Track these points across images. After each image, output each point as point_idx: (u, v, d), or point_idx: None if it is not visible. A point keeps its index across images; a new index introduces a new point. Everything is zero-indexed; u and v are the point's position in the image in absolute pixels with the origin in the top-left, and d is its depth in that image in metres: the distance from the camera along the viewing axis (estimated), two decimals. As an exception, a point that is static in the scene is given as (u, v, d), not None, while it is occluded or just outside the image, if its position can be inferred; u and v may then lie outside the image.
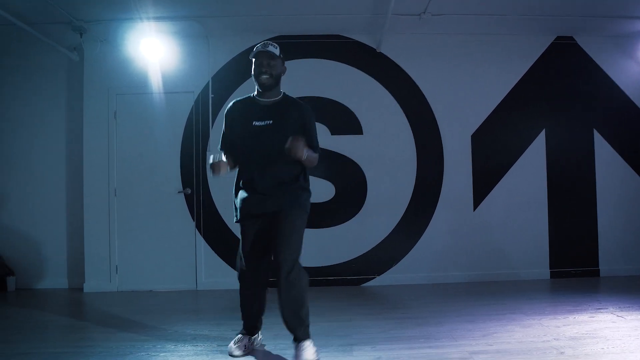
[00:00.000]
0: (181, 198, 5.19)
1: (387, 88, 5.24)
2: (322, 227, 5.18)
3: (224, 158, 2.91)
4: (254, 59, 2.85)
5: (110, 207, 5.14)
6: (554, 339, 3.05)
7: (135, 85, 5.16)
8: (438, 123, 5.25)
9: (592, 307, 3.90)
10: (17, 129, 5.35)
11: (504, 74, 5.32)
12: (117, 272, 5.13)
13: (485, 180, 5.28)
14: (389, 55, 5.27)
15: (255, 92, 2.93)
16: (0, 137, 5.36)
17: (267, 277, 2.97)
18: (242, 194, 2.91)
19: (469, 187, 5.25)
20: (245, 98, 2.98)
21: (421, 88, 5.25)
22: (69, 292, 5.08)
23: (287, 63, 5.18)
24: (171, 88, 5.18)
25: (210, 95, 5.21)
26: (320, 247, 5.14)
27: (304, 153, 2.69)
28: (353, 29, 5.18)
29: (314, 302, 4.35)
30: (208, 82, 5.21)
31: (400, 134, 5.23)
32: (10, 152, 5.36)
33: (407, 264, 5.19)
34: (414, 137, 5.24)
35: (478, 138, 5.28)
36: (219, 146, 3.02)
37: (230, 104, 2.99)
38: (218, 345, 3.11)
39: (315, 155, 2.89)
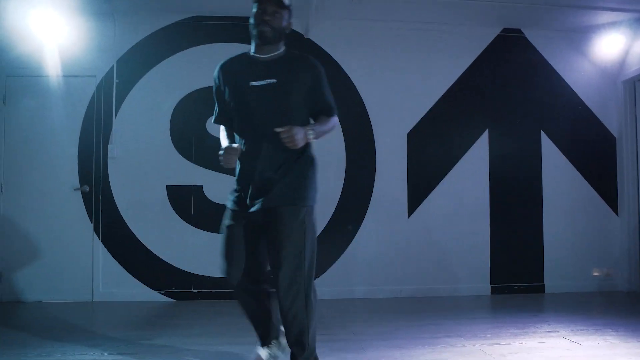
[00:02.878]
0: (78, 196, 4.56)
1: (314, 78, 4.71)
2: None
3: (234, 145, 2.29)
4: (256, 4, 2.30)
5: (-4, 204, 4.50)
6: (499, 372, 2.56)
7: (28, 66, 4.51)
8: (371, 119, 4.74)
9: (541, 329, 3.44)
10: None
11: (445, 67, 4.84)
12: (0, 280, 4.46)
13: (421, 184, 4.78)
14: (318, 43, 4.74)
15: (253, 49, 2.36)
16: None
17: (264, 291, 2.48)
18: (238, 176, 2.40)
19: (403, 192, 4.74)
20: (239, 55, 2.42)
21: (353, 80, 4.73)
22: (-58, 303, 4.41)
23: (204, 47, 4.86)
24: (71, 71, 4.55)
25: (115, 81, 4.60)
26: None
27: (307, 136, 2.22)
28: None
29: (220, 317, 3.88)
30: (113, 65, 4.60)
31: (328, 130, 4.68)
32: None
33: (331, 276, 4.63)
34: (343, 134, 4.70)
35: (414, 137, 4.78)
36: (213, 120, 2.52)
37: (220, 63, 2.43)
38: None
39: (330, 125, 2.39)
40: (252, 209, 2.28)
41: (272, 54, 2.34)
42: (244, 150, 2.31)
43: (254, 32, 2.30)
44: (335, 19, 4.68)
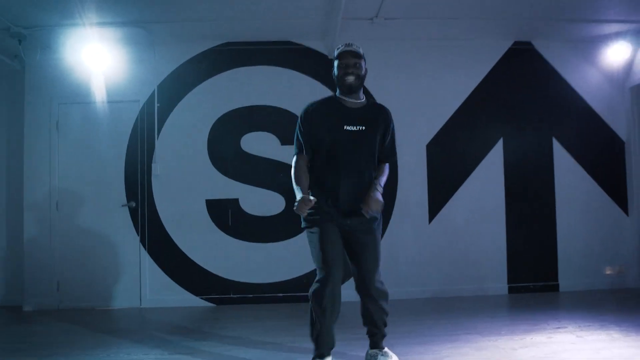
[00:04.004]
0: (125, 212, 4.98)
1: (338, 96, 5.06)
2: (273, 242, 4.99)
3: (310, 197, 2.65)
4: (337, 60, 2.74)
5: (52, 221, 4.93)
6: (509, 364, 2.88)
7: (78, 94, 4.96)
8: (392, 132, 5.07)
9: (551, 326, 3.73)
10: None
11: (460, 80, 5.15)
12: (58, 289, 4.91)
13: (441, 191, 5.10)
14: (341, 63, 5.09)
15: (338, 93, 2.81)
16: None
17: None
18: (322, 198, 2.75)
19: (424, 199, 5.08)
20: (328, 99, 2.85)
21: (374, 96, 5.06)
22: (7, 311, 4.83)
23: (235, 70, 5.25)
24: (116, 97, 4.99)
25: (156, 105, 5.02)
26: (270, 262, 4.96)
27: (380, 198, 2.74)
28: (304, 34, 5.01)
29: (260, 321, 4.28)
30: (154, 90, 5.02)
31: (352, 143, 5.04)
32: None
33: (360, 278, 4.99)
34: (367, 147, 5.06)
35: (434, 148, 5.11)
36: (296, 151, 2.86)
37: (310, 105, 2.82)
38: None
39: (387, 174, 2.92)
40: (347, 223, 2.74)
41: (358, 102, 2.78)
42: (331, 179, 2.74)
43: (341, 83, 2.73)
44: (356, 39, 4.94)
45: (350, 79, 2.69)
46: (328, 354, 2.80)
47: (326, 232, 2.71)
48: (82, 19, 4.41)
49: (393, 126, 2.89)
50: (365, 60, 2.78)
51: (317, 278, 2.75)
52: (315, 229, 2.76)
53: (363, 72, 2.75)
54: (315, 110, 2.78)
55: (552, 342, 3.31)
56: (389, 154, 2.90)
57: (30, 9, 4.29)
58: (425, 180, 5.08)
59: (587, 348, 3.14)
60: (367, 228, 2.78)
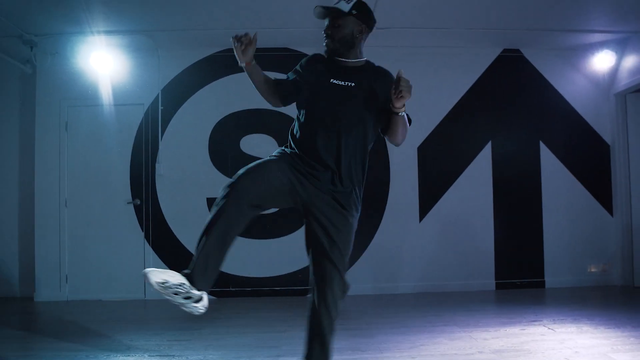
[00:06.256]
0: (130, 209, 5.25)
1: (333, 100, 5.28)
2: (270, 238, 5.24)
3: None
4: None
5: (61, 217, 5.20)
6: (478, 352, 3.10)
7: (86, 97, 5.22)
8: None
9: (527, 319, 3.94)
10: (-30, 140, 5.41)
11: (451, 86, 5.37)
12: (67, 282, 5.18)
13: (431, 191, 5.33)
14: (336, 68, 5.32)
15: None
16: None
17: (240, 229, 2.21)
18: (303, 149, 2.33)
19: (415, 199, 5.30)
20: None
21: (368, 100, 5.30)
22: (20, 301, 5.13)
23: (236, 75, 5.48)
24: (121, 100, 5.24)
25: (160, 108, 5.27)
26: (267, 258, 5.21)
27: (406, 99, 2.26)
28: (300, 42, 5.24)
29: (254, 312, 4.56)
30: (158, 94, 5.28)
31: (347, 145, 5.27)
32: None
33: (353, 274, 5.13)
34: (360, 149, 5.28)
35: (424, 150, 5.33)
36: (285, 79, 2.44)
37: (313, 54, 2.45)
38: (149, 356, 3.18)
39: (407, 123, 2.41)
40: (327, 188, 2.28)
41: (354, 60, 2.38)
42: (310, 136, 2.31)
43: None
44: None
45: (326, 41, 2.33)
46: (200, 286, 2.09)
47: (271, 163, 2.31)
48: (90, 28, 4.68)
49: None
50: (358, 16, 2.32)
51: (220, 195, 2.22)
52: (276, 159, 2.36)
53: (347, 31, 2.31)
54: (314, 58, 2.44)
55: (523, 333, 3.51)
56: None
57: (42, 18, 4.57)
58: (416, 181, 5.30)
59: (554, 339, 3.35)
60: (343, 207, 2.31)
